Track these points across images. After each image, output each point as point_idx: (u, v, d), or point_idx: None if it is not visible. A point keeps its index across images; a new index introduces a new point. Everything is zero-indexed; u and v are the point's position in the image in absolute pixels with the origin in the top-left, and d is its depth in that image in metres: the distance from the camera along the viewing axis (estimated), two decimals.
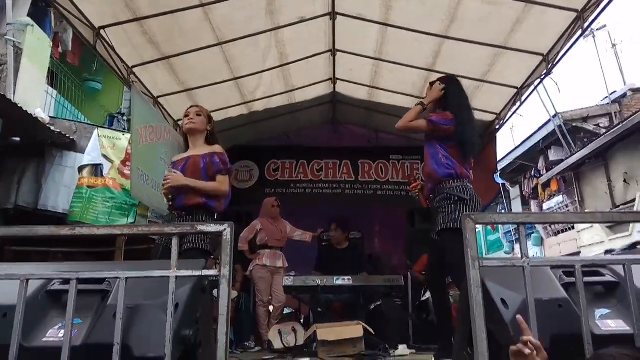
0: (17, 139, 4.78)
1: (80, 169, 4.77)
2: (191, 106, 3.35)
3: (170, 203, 3.02)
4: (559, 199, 13.97)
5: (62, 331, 1.49)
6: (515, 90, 5.07)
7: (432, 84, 3.37)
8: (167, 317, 1.40)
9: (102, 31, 3.99)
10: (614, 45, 14.11)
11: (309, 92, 6.11)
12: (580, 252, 11.99)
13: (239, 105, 5.82)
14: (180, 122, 5.76)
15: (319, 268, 5.56)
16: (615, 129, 10.95)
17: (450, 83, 3.29)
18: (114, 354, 1.38)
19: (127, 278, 1.44)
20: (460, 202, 2.92)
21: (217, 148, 3.19)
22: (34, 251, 5.31)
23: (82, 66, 7.91)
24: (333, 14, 4.60)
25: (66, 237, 1.42)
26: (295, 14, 4.51)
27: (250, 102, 5.83)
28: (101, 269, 1.61)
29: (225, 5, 4.08)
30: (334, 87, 6.20)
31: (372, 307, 5.03)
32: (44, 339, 1.54)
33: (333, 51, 5.28)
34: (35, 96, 5.65)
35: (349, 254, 5.54)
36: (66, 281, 1.54)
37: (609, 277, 1.77)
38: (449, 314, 3.16)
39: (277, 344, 4.56)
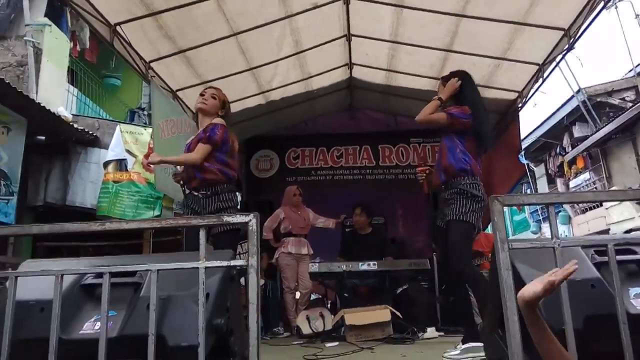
0: (42, 137, 4.88)
1: (105, 164, 4.86)
2: (209, 87, 3.30)
3: (185, 189, 3.06)
4: (585, 176, 13.68)
5: (98, 323, 1.53)
6: (537, 67, 4.95)
7: (444, 79, 3.35)
8: (199, 307, 1.43)
9: (118, 27, 4.02)
10: (637, 16, 13.62)
11: (325, 79, 6.08)
12: (609, 230, 11.76)
13: (256, 95, 5.83)
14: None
15: (343, 254, 5.58)
16: None
17: (465, 78, 3.28)
18: (149, 344, 1.41)
19: (158, 270, 1.47)
20: (472, 198, 2.99)
21: (217, 120, 3.10)
22: (66, 246, 5.46)
23: (101, 63, 8.00)
24: None
25: (97, 232, 1.45)
26: (308, 0, 4.47)
27: (267, 91, 5.84)
28: (132, 262, 1.64)
29: None
30: (351, 73, 6.15)
31: (398, 291, 5.04)
32: (81, 332, 1.58)
33: (348, 36, 5.23)
34: (57, 95, 5.75)
35: (372, 239, 5.54)
36: (99, 275, 1.58)
37: None
38: (465, 297, 3.18)
39: (306, 329, 4.62)
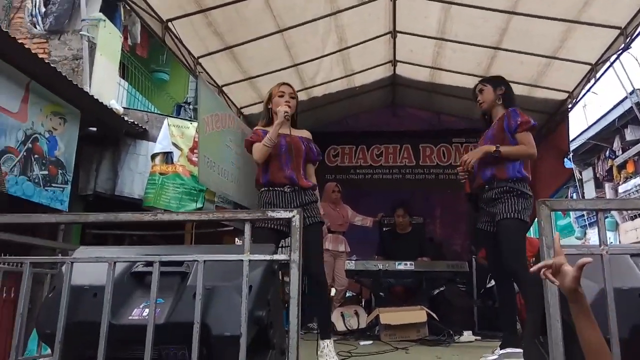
0: (94, 129, 5.08)
1: (153, 156, 5.02)
2: (284, 83, 3.23)
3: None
4: (636, 181, 13.08)
5: (147, 310, 1.61)
6: (590, 67, 4.77)
7: (486, 82, 3.23)
8: (242, 299, 1.47)
9: (169, 24, 4.14)
10: None
11: (368, 76, 6.06)
12: None
13: (299, 91, 5.83)
14: (243, 110, 5.96)
15: (381, 253, 5.57)
16: None
17: (507, 83, 3.20)
18: (194, 332, 1.47)
19: (205, 261, 1.52)
20: (522, 196, 2.89)
21: (309, 134, 3.23)
22: (111, 234, 5.69)
23: (150, 57, 8.26)
24: None
25: (149, 222, 1.51)
26: None
27: (310, 88, 5.87)
28: (180, 252, 1.70)
29: None
30: (394, 70, 6.11)
31: (435, 292, 5.00)
32: (130, 317, 1.66)
33: (393, 33, 5.19)
34: (109, 88, 5.98)
35: (412, 239, 5.51)
36: (149, 263, 1.65)
37: None
38: (513, 303, 3.10)
39: (340, 327, 4.65)
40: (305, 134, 3.23)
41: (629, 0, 3.84)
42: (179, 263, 1.69)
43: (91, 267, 1.77)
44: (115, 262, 1.60)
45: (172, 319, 1.59)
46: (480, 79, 5.39)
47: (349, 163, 7.34)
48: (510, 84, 3.29)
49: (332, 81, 5.86)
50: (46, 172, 4.12)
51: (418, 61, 5.68)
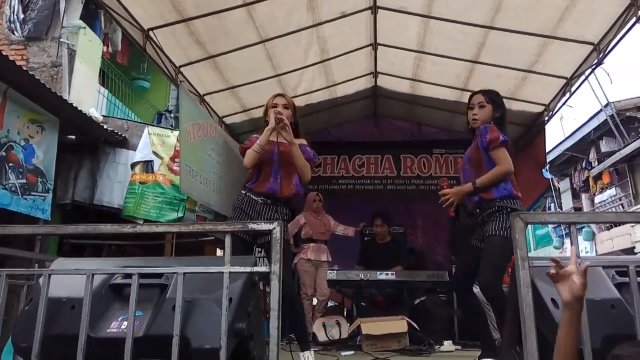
0: (73, 137, 5.02)
1: (132, 165, 4.98)
2: (276, 95, 3.24)
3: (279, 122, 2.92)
4: (611, 191, 13.43)
5: (125, 322, 1.59)
6: (565, 81, 4.91)
7: (485, 94, 3.08)
8: (222, 311, 1.47)
9: (151, 32, 4.13)
10: None
11: (350, 87, 6.12)
12: (634, 248, 11.50)
13: None
14: (225, 119, 5.95)
15: (361, 262, 5.59)
16: None
17: (504, 108, 3.11)
18: (174, 345, 1.46)
19: (184, 273, 1.52)
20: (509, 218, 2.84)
21: (303, 140, 3.19)
22: (89, 244, 5.60)
23: (131, 65, 8.19)
24: (374, 8, 4.59)
25: (129, 234, 1.51)
26: (336, 9, 4.52)
27: (292, 98, 5.87)
28: (160, 264, 1.69)
29: (267, 3, 4.15)
30: (375, 81, 6.18)
31: (415, 302, 5.03)
32: (108, 330, 1.64)
33: (374, 45, 5.26)
34: (88, 96, 5.91)
35: (390, 248, 5.54)
36: (128, 275, 1.63)
37: None
38: (479, 311, 3.11)
39: (322, 337, 4.64)
40: (301, 141, 3.20)
41: (601, 17, 3.97)
42: (158, 275, 1.68)
43: (69, 279, 1.75)
44: (93, 274, 1.59)
45: (151, 331, 1.58)
46: (459, 91, 5.62)
47: (331, 173, 7.37)
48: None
49: (314, 92, 5.90)
50: (24, 181, 4.05)
51: (399, 73, 5.76)
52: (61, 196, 5.02)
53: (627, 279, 1.54)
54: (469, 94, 5.45)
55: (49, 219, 4.25)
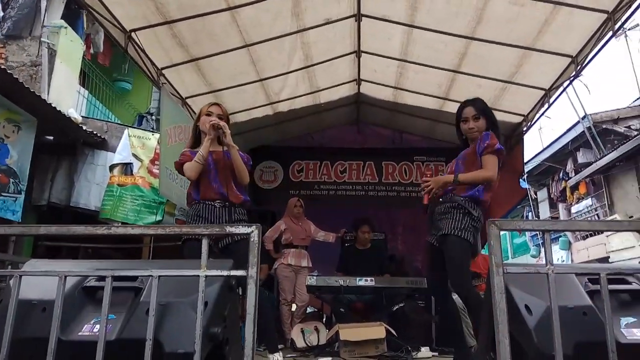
0: (51, 137, 4.94)
1: (111, 167, 4.92)
2: (212, 104, 3.22)
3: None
4: (587, 202, 13.69)
5: (97, 326, 1.56)
6: (543, 92, 5.00)
7: (474, 104, 3.15)
8: (197, 315, 1.45)
9: (133, 34, 4.09)
10: None
11: (333, 93, 6.14)
12: (609, 257, 11.73)
13: (264, 106, 5.89)
14: None
15: (341, 269, 5.59)
16: None
17: (493, 116, 3.18)
18: (146, 349, 1.44)
19: (159, 276, 1.50)
20: (468, 215, 2.90)
21: (234, 146, 3.12)
22: (66, 246, 5.50)
23: (112, 66, 8.11)
24: (358, 16, 4.62)
25: (103, 236, 1.49)
26: (320, 16, 4.54)
27: (275, 102, 5.90)
28: (135, 267, 1.67)
29: (252, 8, 4.14)
30: (359, 88, 6.21)
31: (394, 308, 5.04)
32: (80, 333, 1.61)
33: (358, 52, 5.29)
34: (68, 96, 5.84)
35: (371, 255, 5.56)
36: (101, 278, 1.61)
37: (635, 285, 1.75)
38: (456, 317, 3.14)
39: (300, 343, 4.62)
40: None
41: (579, 30, 4.06)
42: (133, 278, 1.66)
43: (41, 281, 1.71)
44: (65, 276, 1.56)
45: (124, 335, 1.56)
46: (440, 100, 5.68)
47: (313, 179, 7.37)
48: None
49: (297, 97, 5.90)
50: None
51: (382, 81, 5.81)
52: (37, 197, 4.93)
53: (599, 286, 1.57)
54: (450, 102, 5.62)
55: (19, 221, 4.17)
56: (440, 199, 3.06)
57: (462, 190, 2.98)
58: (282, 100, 5.89)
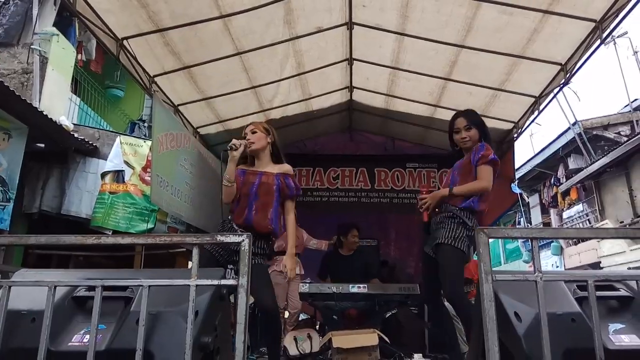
0: (42, 145, 4.92)
1: (103, 175, 4.90)
2: (248, 125, 3.27)
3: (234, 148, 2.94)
4: (578, 207, 13.78)
5: (87, 336, 1.56)
6: (533, 100, 5.05)
7: (465, 116, 3.23)
8: (187, 325, 1.45)
9: (125, 42, 4.09)
10: (635, 53, 13.92)
11: (325, 100, 6.17)
12: (600, 262, 11.80)
13: (256, 113, 5.90)
14: (200, 130, 5.91)
15: (323, 275, 5.56)
16: (637, 137, 10.79)
17: (484, 125, 3.24)
18: (137, 359, 1.44)
19: (149, 286, 1.50)
20: (462, 225, 2.96)
21: (288, 169, 3.21)
22: (57, 255, 5.46)
23: (105, 73, 8.10)
24: (350, 24, 4.65)
25: (92, 245, 1.48)
26: (312, 24, 4.57)
27: (268, 110, 5.91)
28: (125, 276, 1.67)
29: (244, 16, 4.16)
30: (351, 95, 6.24)
31: (387, 315, 5.03)
32: (70, 344, 1.60)
33: (350, 60, 5.32)
34: (59, 104, 5.81)
35: (355, 261, 5.53)
36: (91, 288, 1.60)
37: (623, 292, 1.77)
38: (448, 324, 3.18)
39: (293, 350, 4.60)
40: (285, 169, 3.21)
41: (568, 39, 4.11)
42: (123, 288, 1.65)
43: (31, 291, 1.70)
44: (55, 286, 1.55)
45: (114, 345, 1.55)
46: (432, 107, 5.72)
47: (306, 185, 7.37)
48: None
49: (290, 104, 5.92)
50: None
51: (373, 88, 5.84)
52: (28, 205, 4.90)
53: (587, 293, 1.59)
54: (441, 109, 5.66)
55: (8, 229, 4.14)
56: (437, 209, 3.11)
57: (458, 201, 3.04)
58: (274, 108, 5.90)
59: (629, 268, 9.31)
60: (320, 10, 4.40)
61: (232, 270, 1.82)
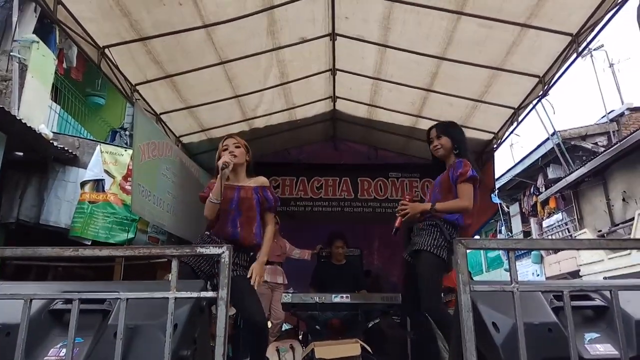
0: (20, 154, 4.84)
1: (82, 184, 4.83)
2: (227, 137, 3.28)
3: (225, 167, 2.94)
4: (558, 216, 14.00)
5: (64, 350, 1.53)
6: (512, 111, 5.14)
7: (438, 128, 3.28)
8: (166, 338, 1.44)
9: (106, 50, 4.06)
10: (611, 65, 14.29)
11: (309, 110, 6.19)
12: (579, 270, 11.99)
13: (240, 122, 5.90)
14: (182, 139, 5.88)
15: (315, 284, 5.57)
16: (614, 147, 11.04)
17: (461, 132, 3.30)
18: None
19: (127, 299, 1.48)
20: (443, 234, 2.97)
21: (264, 180, 3.25)
22: (36, 265, 5.36)
23: (86, 81, 8.01)
24: (333, 35, 4.69)
25: (70, 257, 1.46)
26: (296, 35, 4.60)
27: (251, 119, 5.91)
28: (103, 289, 1.65)
29: (228, 26, 4.16)
30: (334, 105, 6.28)
31: (370, 325, 5.04)
32: (46, 358, 1.57)
33: (333, 70, 5.36)
34: (39, 112, 5.74)
35: (346, 271, 5.55)
36: (68, 301, 1.58)
37: (598, 302, 1.80)
38: (430, 332, 3.19)
39: None
40: (261, 181, 3.24)
41: (545, 52, 4.21)
42: (101, 300, 1.63)
43: (5, 304, 1.67)
44: (31, 300, 1.53)
45: (92, 359, 1.53)
46: (413, 117, 5.79)
47: (290, 195, 7.36)
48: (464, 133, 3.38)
49: (273, 113, 5.93)
50: None
51: (356, 98, 5.88)
52: (5, 215, 4.81)
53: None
54: (423, 120, 5.73)
55: None
56: (420, 216, 3.12)
57: (439, 213, 3.06)
58: (258, 117, 5.91)
59: (604, 278, 9.49)
60: (304, 21, 4.43)
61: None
